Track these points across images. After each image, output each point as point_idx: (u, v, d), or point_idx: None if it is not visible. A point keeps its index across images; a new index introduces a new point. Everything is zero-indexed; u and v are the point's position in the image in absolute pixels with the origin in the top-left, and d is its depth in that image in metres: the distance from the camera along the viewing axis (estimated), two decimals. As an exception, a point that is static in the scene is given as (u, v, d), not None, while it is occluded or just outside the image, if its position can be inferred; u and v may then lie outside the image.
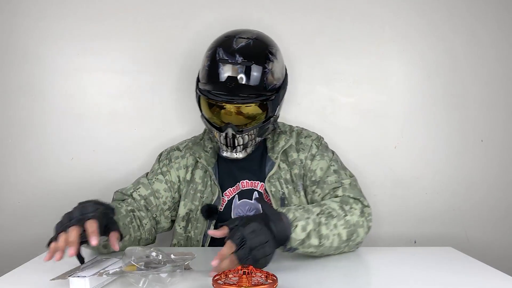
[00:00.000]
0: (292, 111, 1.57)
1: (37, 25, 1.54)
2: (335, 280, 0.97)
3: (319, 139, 1.31)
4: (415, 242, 1.60)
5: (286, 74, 1.27)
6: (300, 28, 1.57)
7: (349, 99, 1.59)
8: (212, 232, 0.95)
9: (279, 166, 1.25)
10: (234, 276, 0.83)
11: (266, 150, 1.27)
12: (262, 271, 0.84)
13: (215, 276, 0.82)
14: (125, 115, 1.57)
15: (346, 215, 1.07)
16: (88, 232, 0.88)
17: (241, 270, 0.83)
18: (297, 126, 1.35)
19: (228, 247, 0.88)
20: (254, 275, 0.83)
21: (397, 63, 1.59)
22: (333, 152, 1.30)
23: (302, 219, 1.00)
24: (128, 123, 1.57)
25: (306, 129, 1.35)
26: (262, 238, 0.90)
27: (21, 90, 1.54)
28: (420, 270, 1.01)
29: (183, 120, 1.57)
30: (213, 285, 0.80)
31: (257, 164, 1.27)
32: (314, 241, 1.01)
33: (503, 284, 0.92)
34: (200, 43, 1.52)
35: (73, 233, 0.87)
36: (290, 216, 0.99)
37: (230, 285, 0.79)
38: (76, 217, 0.91)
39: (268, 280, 0.82)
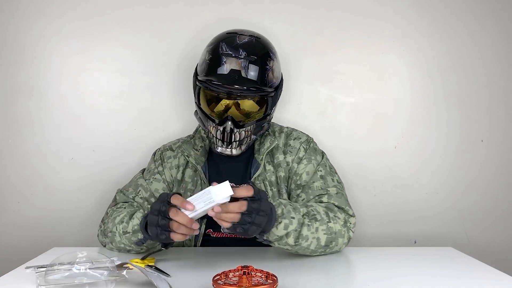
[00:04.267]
0: (292, 111, 1.57)
1: (36, 24, 1.53)
2: (335, 280, 0.97)
3: (308, 141, 1.29)
4: (415, 242, 1.60)
5: (282, 77, 1.28)
6: (300, 28, 1.57)
7: (349, 99, 1.59)
8: (236, 190, 0.92)
9: (264, 167, 1.24)
10: (234, 276, 0.83)
11: (253, 152, 1.27)
12: (262, 271, 0.84)
13: (215, 276, 0.83)
14: (125, 115, 1.56)
15: (329, 221, 1.08)
16: (179, 204, 0.92)
17: (241, 270, 0.83)
18: (287, 127, 1.34)
19: (238, 207, 0.90)
20: (254, 275, 0.83)
21: (398, 62, 1.59)
22: (322, 155, 1.28)
23: (287, 218, 1.01)
24: (128, 123, 1.56)
25: (296, 130, 1.33)
26: (262, 220, 0.92)
27: (21, 90, 1.54)
28: (420, 270, 1.02)
29: (183, 120, 1.57)
30: (213, 285, 0.81)
31: (243, 166, 1.26)
32: (291, 240, 1.02)
33: (503, 284, 0.92)
34: (200, 43, 1.52)
35: (180, 216, 0.91)
36: (278, 212, 1.00)
37: (230, 285, 0.79)
38: (160, 206, 0.93)
39: (268, 280, 0.82)
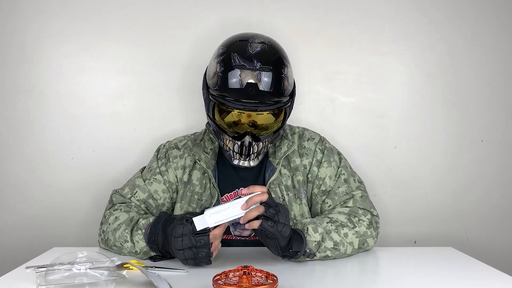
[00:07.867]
0: (292, 111, 1.56)
1: (36, 24, 1.53)
2: (335, 280, 0.97)
3: (323, 141, 1.27)
4: (415, 242, 1.60)
5: (294, 81, 1.24)
6: (300, 28, 1.57)
7: (349, 99, 1.59)
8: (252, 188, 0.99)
9: (280, 172, 1.21)
10: (234, 276, 0.83)
11: (267, 155, 1.23)
12: (262, 271, 0.84)
13: (215, 276, 0.83)
14: (125, 115, 1.56)
15: (355, 227, 1.11)
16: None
17: (241, 270, 0.83)
18: (298, 127, 1.32)
19: (260, 196, 0.97)
20: (254, 275, 0.83)
21: (397, 63, 1.59)
22: (339, 155, 1.28)
23: (311, 223, 1.05)
24: (128, 123, 1.56)
25: (308, 130, 1.31)
26: (283, 217, 0.97)
27: (21, 90, 1.54)
28: (420, 270, 1.02)
29: (183, 120, 1.57)
30: (213, 285, 0.81)
31: (257, 170, 1.23)
32: (329, 243, 1.05)
33: (503, 284, 0.92)
34: (200, 43, 1.53)
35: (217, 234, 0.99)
36: (299, 226, 1.06)
37: (230, 285, 0.79)
38: (197, 241, 0.96)
39: (268, 280, 0.82)
